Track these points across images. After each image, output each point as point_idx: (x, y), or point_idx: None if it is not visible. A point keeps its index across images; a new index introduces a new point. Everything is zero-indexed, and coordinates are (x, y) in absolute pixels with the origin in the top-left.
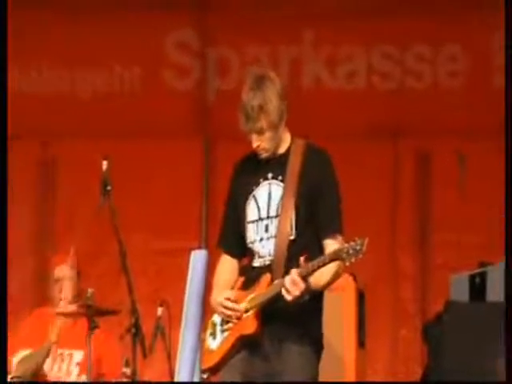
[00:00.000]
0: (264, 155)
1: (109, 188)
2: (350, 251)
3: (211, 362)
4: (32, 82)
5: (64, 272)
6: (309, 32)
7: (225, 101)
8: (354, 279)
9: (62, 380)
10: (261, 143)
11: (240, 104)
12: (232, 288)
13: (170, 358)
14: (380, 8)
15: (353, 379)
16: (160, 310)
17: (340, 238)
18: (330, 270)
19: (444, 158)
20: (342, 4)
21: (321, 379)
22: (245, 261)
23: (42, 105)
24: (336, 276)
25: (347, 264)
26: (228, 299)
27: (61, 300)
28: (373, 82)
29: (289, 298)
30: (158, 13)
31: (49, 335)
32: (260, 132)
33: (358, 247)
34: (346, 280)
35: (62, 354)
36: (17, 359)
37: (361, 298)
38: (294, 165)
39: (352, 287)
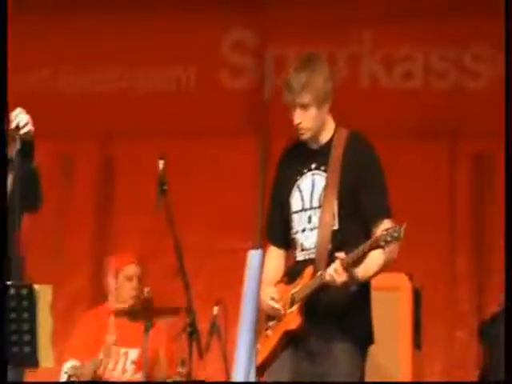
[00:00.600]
0: (304, 136)
1: (165, 187)
2: (388, 238)
3: (257, 360)
4: (89, 82)
5: (134, 271)
6: (367, 32)
7: (281, 100)
8: (410, 279)
9: (117, 379)
10: (303, 121)
11: (285, 78)
12: (277, 283)
13: (226, 357)
14: (437, 8)
15: (409, 380)
16: (216, 309)
17: (390, 221)
18: (376, 260)
19: (501, 160)
20: (399, 5)
21: (377, 380)
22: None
23: (100, 105)
24: (383, 267)
25: (386, 250)
26: (272, 299)
27: (116, 299)
28: (430, 81)
29: (334, 287)
30: (214, 12)
31: (105, 334)
32: (303, 107)
33: (395, 234)
34: (402, 279)
35: (117, 353)
36: (68, 366)
37: (417, 297)
38: (337, 154)
39: (408, 287)
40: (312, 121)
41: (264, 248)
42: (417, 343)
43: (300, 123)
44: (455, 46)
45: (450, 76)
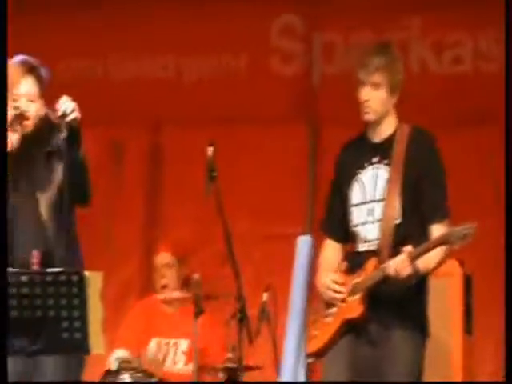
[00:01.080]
0: (368, 116)
1: (214, 174)
2: (459, 236)
3: (315, 346)
4: (139, 70)
5: (165, 259)
6: (416, 18)
7: (330, 86)
8: (461, 265)
9: (168, 370)
10: (370, 99)
11: (360, 57)
12: (338, 272)
13: (276, 342)
14: None
15: (460, 368)
16: (265, 295)
17: (446, 222)
18: (437, 254)
19: None
20: None
21: (427, 367)
22: (348, 246)
23: (150, 92)
24: (443, 261)
25: (455, 248)
26: (335, 282)
27: (162, 287)
28: (479, 66)
29: (397, 279)
30: (266, 2)
31: (154, 324)
32: (375, 85)
33: (466, 231)
34: (453, 265)
35: (167, 344)
36: (117, 356)
37: (468, 283)
38: (400, 149)
39: (459, 273)
40: (379, 102)
41: (313, 234)
42: (468, 329)
43: (367, 101)
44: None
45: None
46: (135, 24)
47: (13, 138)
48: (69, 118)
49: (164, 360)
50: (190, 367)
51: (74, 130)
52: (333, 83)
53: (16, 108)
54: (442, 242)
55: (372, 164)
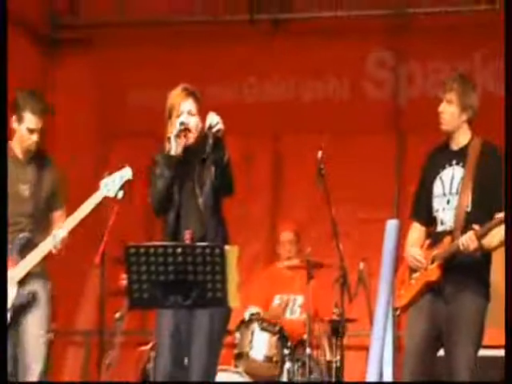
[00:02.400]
0: (443, 126)
1: (323, 171)
2: None
3: (401, 302)
4: (266, 93)
5: (288, 237)
6: (477, 53)
7: (413, 106)
8: None
9: (288, 319)
10: (444, 112)
11: (444, 81)
12: (421, 247)
13: (369, 301)
14: None
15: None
16: (362, 265)
17: None
18: (497, 235)
19: None
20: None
21: (489, 327)
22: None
23: (273, 111)
24: (502, 242)
25: None
26: (419, 254)
27: (286, 258)
28: None
29: (464, 249)
30: (363, 37)
31: (277, 286)
32: (448, 102)
33: None
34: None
35: (287, 299)
36: (250, 311)
37: None
38: (474, 155)
39: None
40: (450, 115)
41: (400, 218)
42: None
43: (442, 113)
44: None
45: None
46: (262, 56)
47: (178, 148)
48: (214, 129)
49: (284, 311)
50: (303, 317)
51: (219, 139)
52: (414, 103)
53: (181, 123)
54: (499, 221)
55: (451, 165)
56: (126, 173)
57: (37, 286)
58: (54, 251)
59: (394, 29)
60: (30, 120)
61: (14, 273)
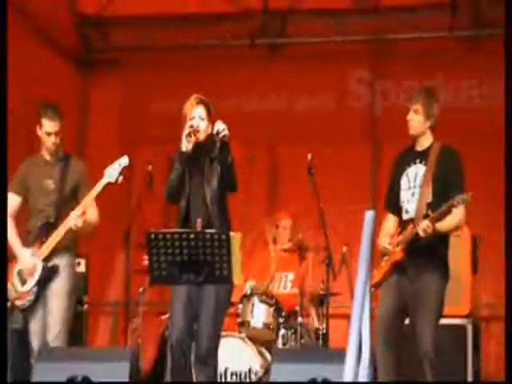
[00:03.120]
0: (411, 131)
1: (313, 171)
2: (459, 201)
3: (374, 280)
4: (265, 105)
5: (285, 223)
6: (440, 73)
7: (387, 116)
8: (469, 228)
9: (280, 292)
10: (411, 120)
11: (412, 95)
12: (392, 235)
13: (350, 278)
14: None
15: (469, 298)
16: (345, 248)
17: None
18: (451, 220)
19: None
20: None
21: (448, 301)
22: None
23: (269, 120)
24: (456, 226)
25: (461, 211)
26: (388, 242)
27: (280, 242)
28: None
29: (423, 234)
30: (345, 58)
31: (272, 264)
32: (415, 111)
33: (464, 197)
34: (464, 229)
35: (280, 275)
36: (249, 284)
37: (474, 241)
38: (434, 155)
39: (468, 234)
40: (417, 123)
41: (377, 210)
42: (475, 270)
43: (410, 120)
44: None
45: None
46: (263, 77)
47: (188, 146)
48: (221, 135)
49: (279, 285)
50: (294, 291)
51: (225, 143)
52: (388, 114)
53: (191, 126)
54: (449, 206)
55: (415, 164)
56: (124, 161)
57: (59, 261)
58: (73, 228)
59: (371, 52)
60: (47, 125)
61: (40, 252)
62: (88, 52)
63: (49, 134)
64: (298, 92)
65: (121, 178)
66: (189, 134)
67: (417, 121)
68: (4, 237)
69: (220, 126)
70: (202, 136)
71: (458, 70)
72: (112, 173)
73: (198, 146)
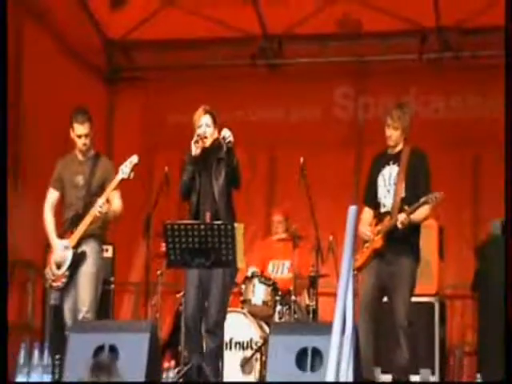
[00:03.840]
0: (390, 143)
1: (305, 172)
2: (433, 199)
3: (356, 264)
4: (267, 116)
5: (279, 218)
6: (412, 88)
7: (368, 125)
8: (437, 220)
9: (278, 277)
10: (392, 135)
11: (390, 112)
12: (370, 225)
13: (336, 263)
14: None
15: (436, 279)
16: (331, 237)
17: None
18: (423, 213)
19: None
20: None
21: (419, 282)
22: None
23: (268, 129)
24: (425, 217)
25: (431, 205)
26: (368, 230)
27: (275, 233)
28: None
29: (400, 226)
30: (333, 76)
31: (269, 253)
32: (395, 128)
33: (436, 196)
34: (432, 221)
35: (278, 263)
36: (250, 270)
37: (441, 231)
38: (405, 157)
39: (436, 225)
40: (396, 137)
41: (358, 205)
42: (441, 256)
43: (390, 136)
44: None
45: None
46: (263, 93)
47: (197, 151)
48: (227, 141)
49: (277, 271)
50: (291, 275)
51: (230, 148)
52: (369, 124)
53: (198, 135)
54: (423, 202)
55: (389, 165)
56: (134, 159)
57: (87, 248)
58: (98, 214)
59: (353, 71)
60: (77, 128)
61: (70, 240)
62: (114, 71)
63: (79, 136)
64: (293, 105)
65: (132, 174)
66: (196, 141)
67: (396, 136)
68: (4, 235)
69: (226, 133)
70: (208, 142)
71: (427, 87)
72: (124, 169)
73: (205, 149)
